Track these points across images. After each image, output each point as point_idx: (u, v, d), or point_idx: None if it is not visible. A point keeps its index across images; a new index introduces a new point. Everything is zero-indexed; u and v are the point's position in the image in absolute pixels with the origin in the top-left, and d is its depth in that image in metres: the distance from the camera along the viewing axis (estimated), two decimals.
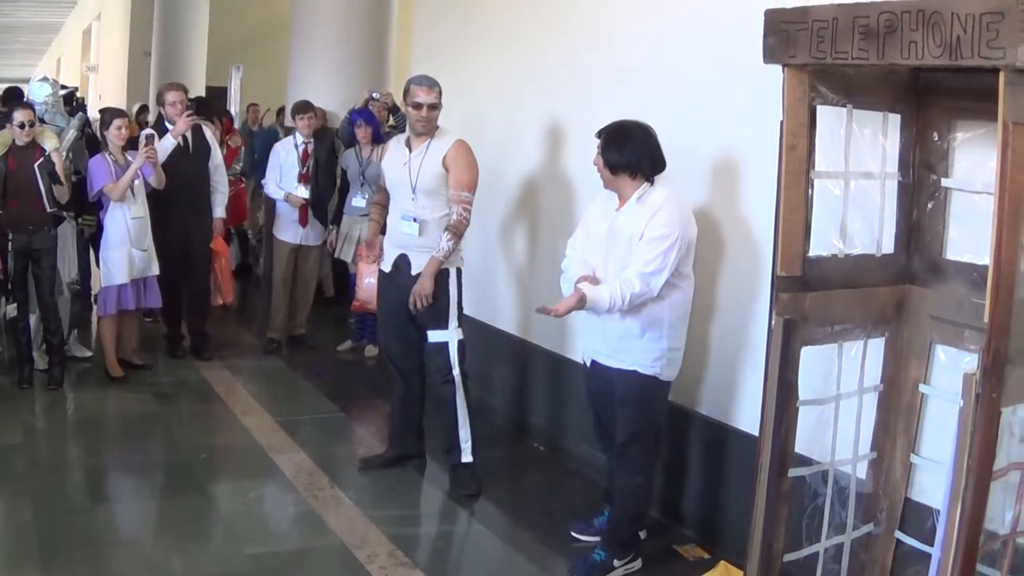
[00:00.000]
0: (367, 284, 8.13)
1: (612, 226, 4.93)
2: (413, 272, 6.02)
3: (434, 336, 6.10)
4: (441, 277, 5.95)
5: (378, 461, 6.51)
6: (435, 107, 5.92)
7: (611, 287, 4.73)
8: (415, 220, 5.98)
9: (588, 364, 5.21)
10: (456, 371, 6.09)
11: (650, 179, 4.88)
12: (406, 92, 6.00)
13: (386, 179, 6.27)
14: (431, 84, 5.94)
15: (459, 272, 6.07)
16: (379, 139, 9.00)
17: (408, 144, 6.07)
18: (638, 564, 5.15)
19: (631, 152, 4.85)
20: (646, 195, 4.85)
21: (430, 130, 5.97)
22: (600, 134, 4.96)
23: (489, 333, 6.39)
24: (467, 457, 6.18)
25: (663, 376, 4.95)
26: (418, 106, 5.91)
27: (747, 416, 5.17)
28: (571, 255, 5.14)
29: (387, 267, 6.21)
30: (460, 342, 6.08)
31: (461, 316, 6.10)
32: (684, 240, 4.74)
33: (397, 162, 6.08)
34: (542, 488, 6.30)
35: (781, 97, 3.64)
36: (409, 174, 5.98)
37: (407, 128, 6.14)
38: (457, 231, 5.91)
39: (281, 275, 9.34)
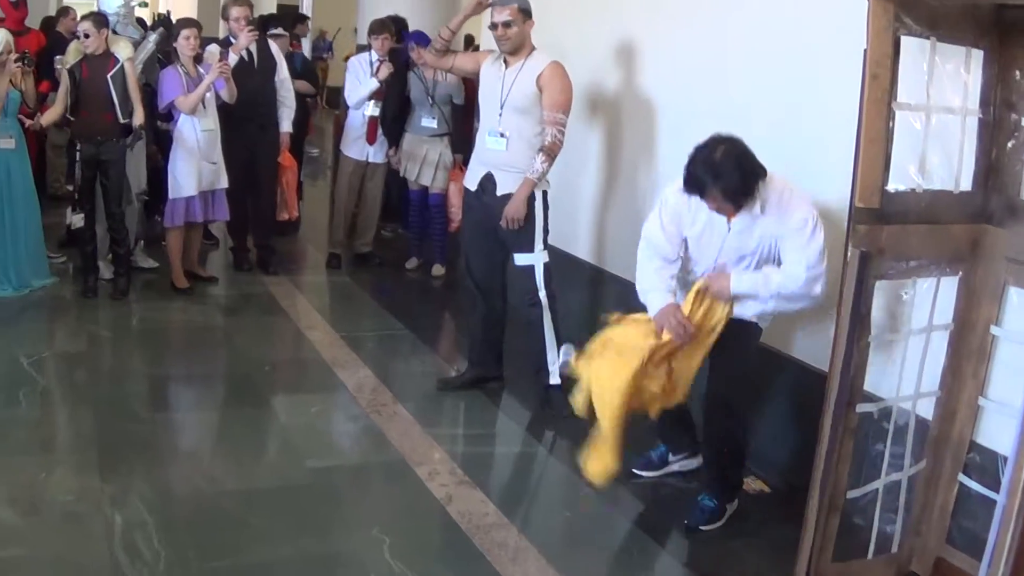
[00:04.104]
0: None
1: (734, 231, 4.60)
2: (499, 192, 6.03)
3: (520, 259, 6.10)
4: (528, 200, 5.95)
5: (457, 382, 6.54)
6: (509, 24, 5.85)
7: (755, 277, 4.55)
8: (502, 135, 5.97)
9: None
10: (543, 293, 6.11)
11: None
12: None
13: (479, 91, 6.23)
14: (504, 2, 5.88)
15: (545, 195, 6.04)
16: None
17: (505, 61, 6.02)
18: (736, 504, 5.08)
19: (751, 169, 4.40)
20: (764, 199, 4.49)
21: (512, 48, 5.92)
22: (710, 185, 4.39)
23: (564, 259, 6.36)
24: (555, 379, 6.19)
25: (761, 323, 4.82)
26: (494, 25, 5.90)
27: (810, 348, 5.14)
28: (655, 274, 4.80)
29: (472, 186, 6.20)
30: (546, 265, 6.08)
31: (547, 239, 6.08)
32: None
33: (492, 77, 6.07)
34: None
35: (865, 26, 3.57)
36: (501, 90, 5.96)
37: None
38: (551, 153, 5.89)
39: (345, 190, 9.35)
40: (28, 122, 7.77)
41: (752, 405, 5.09)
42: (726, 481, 5.02)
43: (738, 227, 4.56)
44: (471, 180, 6.23)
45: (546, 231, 6.08)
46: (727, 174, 4.32)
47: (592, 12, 7.04)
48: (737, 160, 4.34)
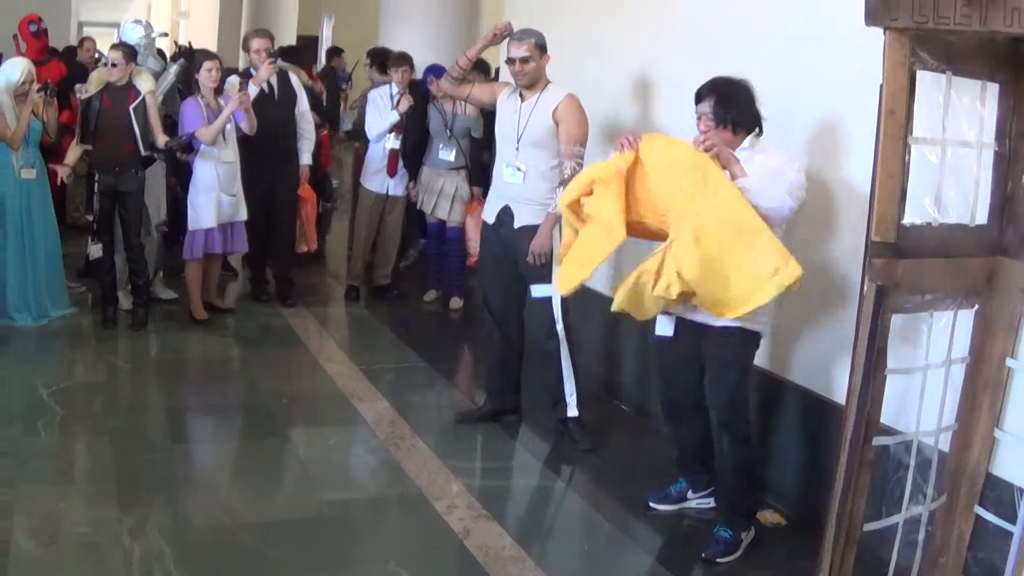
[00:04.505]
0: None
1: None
2: (516, 225, 6.07)
3: (537, 291, 6.10)
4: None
5: (475, 415, 6.53)
6: (527, 60, 5.88)
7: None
8: (519, 169, 6.00)
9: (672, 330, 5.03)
10: (560, 326, 6.11)
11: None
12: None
13: (496, 124, 6.27)
14: (521, 37, 5.92)
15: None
16: None
17: (521, 95, 6.05)
18: (752, 533, 5.07)
19: (751, 105, 4.75)
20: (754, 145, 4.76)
21: (529, 83, 5.95)
22: (707, 93, 4.79)
23: (581, 292, 6.33)
24: (572, 411, 6.19)
25: (753, 324, 4.78)
26: (511, 60, 5.93)
27: (828, 381, 5.13)
28: None
29: (490, 219, 6.24)
30: (563, 297, 6.02)
31: None
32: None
33: (508, 111, 6.10)
34: (625, 449, 6.27)
35: (882, 60, 3.58)
36: (517, 124, 5.99)
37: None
38: None
39: (365, 223, 9.36)
40: (60, 170, 7.84)
41: (751, 419, 5.04)
42: (738, 507, 4.99)
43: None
44: (489, 213, 6.26)
45: None
46: (724, 88, 4.76)
47: (606, 46, 7.06)
48: (741, 86, 4.78)
